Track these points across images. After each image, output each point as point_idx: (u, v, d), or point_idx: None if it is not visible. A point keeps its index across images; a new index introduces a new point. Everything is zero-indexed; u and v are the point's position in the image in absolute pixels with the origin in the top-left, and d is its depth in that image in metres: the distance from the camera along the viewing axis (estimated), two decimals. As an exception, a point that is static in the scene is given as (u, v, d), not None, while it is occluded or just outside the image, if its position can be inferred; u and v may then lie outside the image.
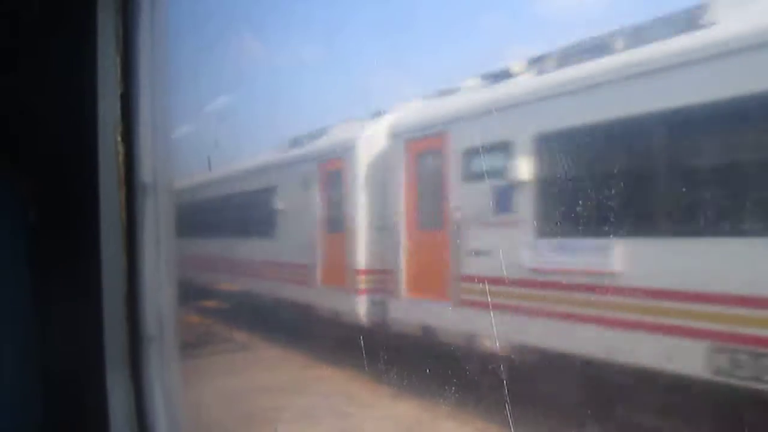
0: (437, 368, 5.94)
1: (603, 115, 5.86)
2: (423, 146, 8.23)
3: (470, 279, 7.00)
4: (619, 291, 5.68)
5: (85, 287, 1.85)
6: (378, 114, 9.74)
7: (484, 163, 7.03)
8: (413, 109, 9.05)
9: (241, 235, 12.80)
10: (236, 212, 13.32)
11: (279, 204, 11.31)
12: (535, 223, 6.43)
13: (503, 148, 6.74)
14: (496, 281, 6.60)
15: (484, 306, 6.62)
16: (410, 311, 8.26)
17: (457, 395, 5.61)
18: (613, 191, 5.55)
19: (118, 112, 1.89)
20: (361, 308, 8.97)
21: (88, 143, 1.82)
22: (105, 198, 1.83)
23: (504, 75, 7.63)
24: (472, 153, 7.24)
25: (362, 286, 9.01)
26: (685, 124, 5.56)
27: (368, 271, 8.99)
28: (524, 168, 6.51)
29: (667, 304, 5.55)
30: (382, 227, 8.83)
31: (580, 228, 5.88)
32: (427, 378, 5.86)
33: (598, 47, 6.31)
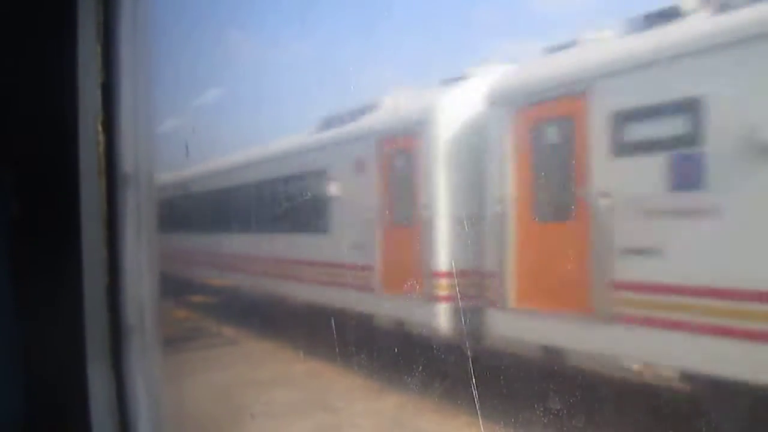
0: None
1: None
2: (544, 113, 6.60)
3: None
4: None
5: (66, 278, 1.83)
6: (458, 79, 8.30)
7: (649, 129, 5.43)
8: (525, 68, 7.59)
9: (272, 230, 11.64)
10: (262, 203, 12.03)
11: (324, 192, 9.82)
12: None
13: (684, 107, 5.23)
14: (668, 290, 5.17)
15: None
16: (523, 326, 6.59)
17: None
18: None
19: (99, 101, 1.87)
20: (442, 319, 7.45)
21: (68, 133, 1.80)
22: (85, 188, 1.82)
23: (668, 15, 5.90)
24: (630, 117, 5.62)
25: (443, 292, 7.50)
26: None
27: (452, 274, 7.52)
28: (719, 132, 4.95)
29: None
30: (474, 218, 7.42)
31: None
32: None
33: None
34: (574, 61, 6.58)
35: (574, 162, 6.14)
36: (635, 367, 5.30)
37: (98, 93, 1.86)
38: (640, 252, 5.34)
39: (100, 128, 1.87)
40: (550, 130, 6.50)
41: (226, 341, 10.70)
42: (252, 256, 11.51)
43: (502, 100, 6.91)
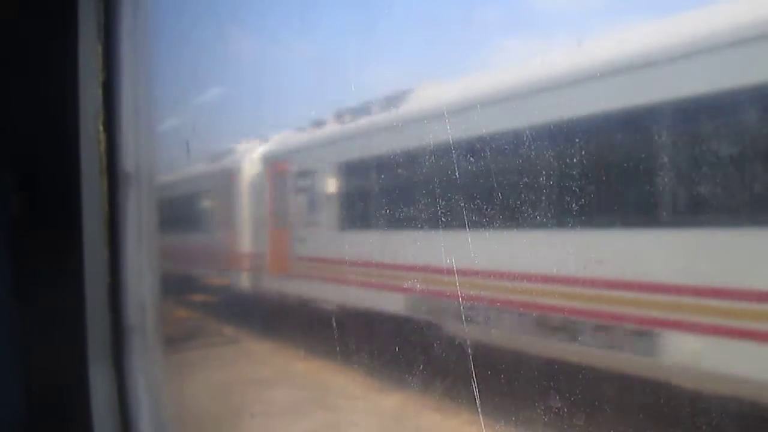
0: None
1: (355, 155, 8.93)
2: (277, 168, 11.88)
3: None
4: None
5: (67, 277, 1.83)
6: (263, 140, 13.42)
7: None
8: (274, 141, 12.90)
9: (190, 230, 16.52)
10: (188, 209, 17.23)
11: (205, 205, 15.88)
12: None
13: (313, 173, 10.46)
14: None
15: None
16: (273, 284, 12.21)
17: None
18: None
19: (100, 100, 1.86)
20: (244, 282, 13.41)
21: (69, 132, 1.79)
22: (87, 187, 1.81)
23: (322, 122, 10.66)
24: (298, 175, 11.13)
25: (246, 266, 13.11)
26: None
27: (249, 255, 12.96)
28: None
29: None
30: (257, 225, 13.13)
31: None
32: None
33: (364, 110, 8.75)
34: (287, 141, 11.82)
35: (286, 195, 11.45)
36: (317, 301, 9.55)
37: (99, 92, 1.86)
38: (301, 241, 10.56)
39: (101, 127, 1.87)
40: (279, 178, 11.55)
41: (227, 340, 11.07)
42: (182, 246, 16.21)
43: (263, 158, 12.27)
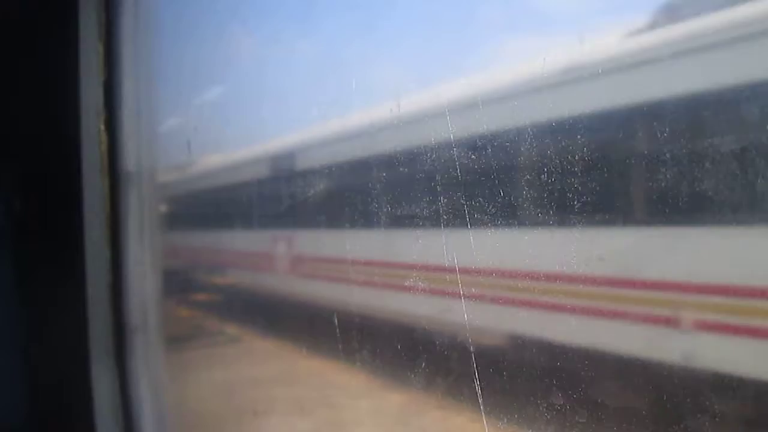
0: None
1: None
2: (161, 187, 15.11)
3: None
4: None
5: (69, 277, 1.83)
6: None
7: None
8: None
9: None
10: None
11: None
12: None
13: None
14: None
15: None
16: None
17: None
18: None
19: (101, 99, 1.86)
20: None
21: (70, 131, 1.79)
22: (88, 187, 1.81)
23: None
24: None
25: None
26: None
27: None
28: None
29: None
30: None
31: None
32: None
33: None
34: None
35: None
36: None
37: (100, 91, 1.86)
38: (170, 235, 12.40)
39: (102, 127, 1.87)
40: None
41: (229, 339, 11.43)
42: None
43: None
